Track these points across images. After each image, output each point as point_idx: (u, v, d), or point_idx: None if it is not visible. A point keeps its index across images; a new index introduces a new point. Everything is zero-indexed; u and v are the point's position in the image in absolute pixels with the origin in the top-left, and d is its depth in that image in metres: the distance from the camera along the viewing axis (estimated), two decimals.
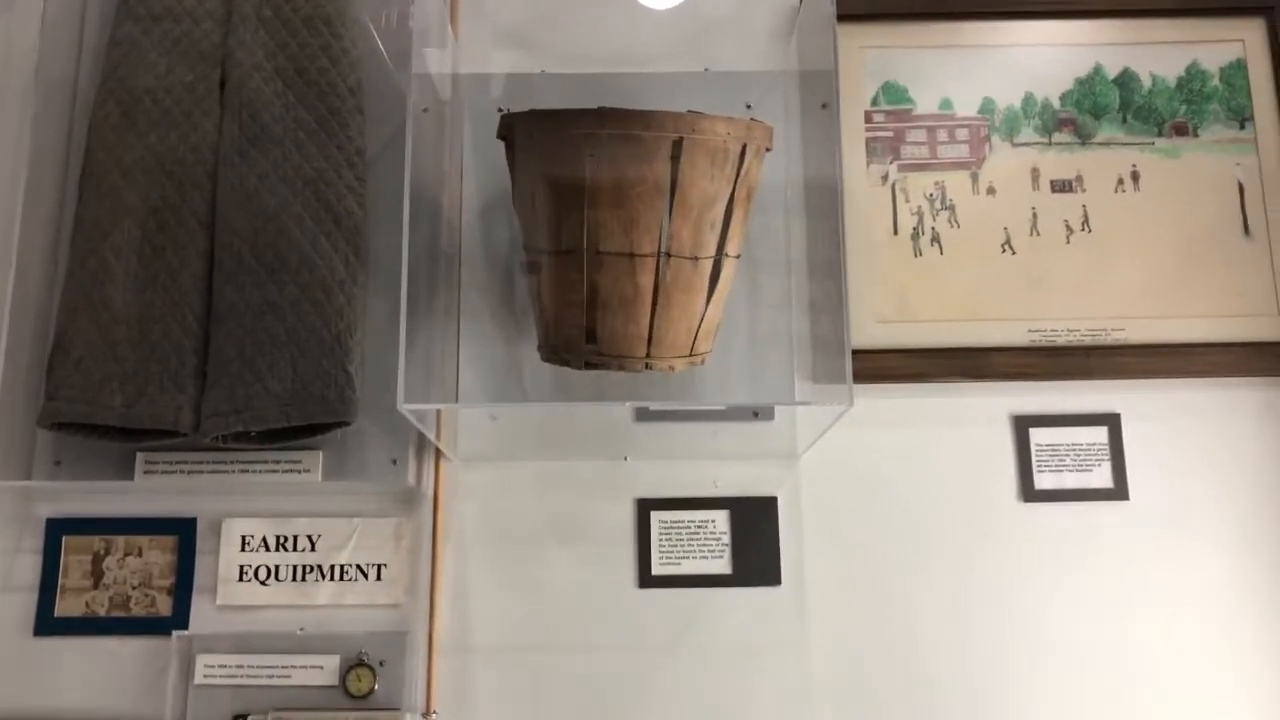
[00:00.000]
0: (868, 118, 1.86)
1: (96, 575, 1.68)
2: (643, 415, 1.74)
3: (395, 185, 1.62)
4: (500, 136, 1.61)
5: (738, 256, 1.60)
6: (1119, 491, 1.73)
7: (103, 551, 1.69)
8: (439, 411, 1.69)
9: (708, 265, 1.55)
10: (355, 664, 1.63)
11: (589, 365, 1.56)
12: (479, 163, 1.78)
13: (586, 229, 1.51)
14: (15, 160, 1.78)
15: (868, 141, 1.85)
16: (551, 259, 1.56)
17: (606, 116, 1.49)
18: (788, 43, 1.87)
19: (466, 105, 1.83)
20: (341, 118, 1.74)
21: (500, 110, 1.63)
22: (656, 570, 1.71)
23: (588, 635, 1.69)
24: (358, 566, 1.69)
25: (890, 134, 1.85)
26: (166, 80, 1.73)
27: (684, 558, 1.71)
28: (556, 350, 1.59)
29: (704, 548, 1.71)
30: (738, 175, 1.54)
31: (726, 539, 1.71)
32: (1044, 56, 1.88)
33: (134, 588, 1.68)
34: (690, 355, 1.58)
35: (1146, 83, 1.86)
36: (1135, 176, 1.83)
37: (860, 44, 1.87)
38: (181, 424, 1.62)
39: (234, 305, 1.64)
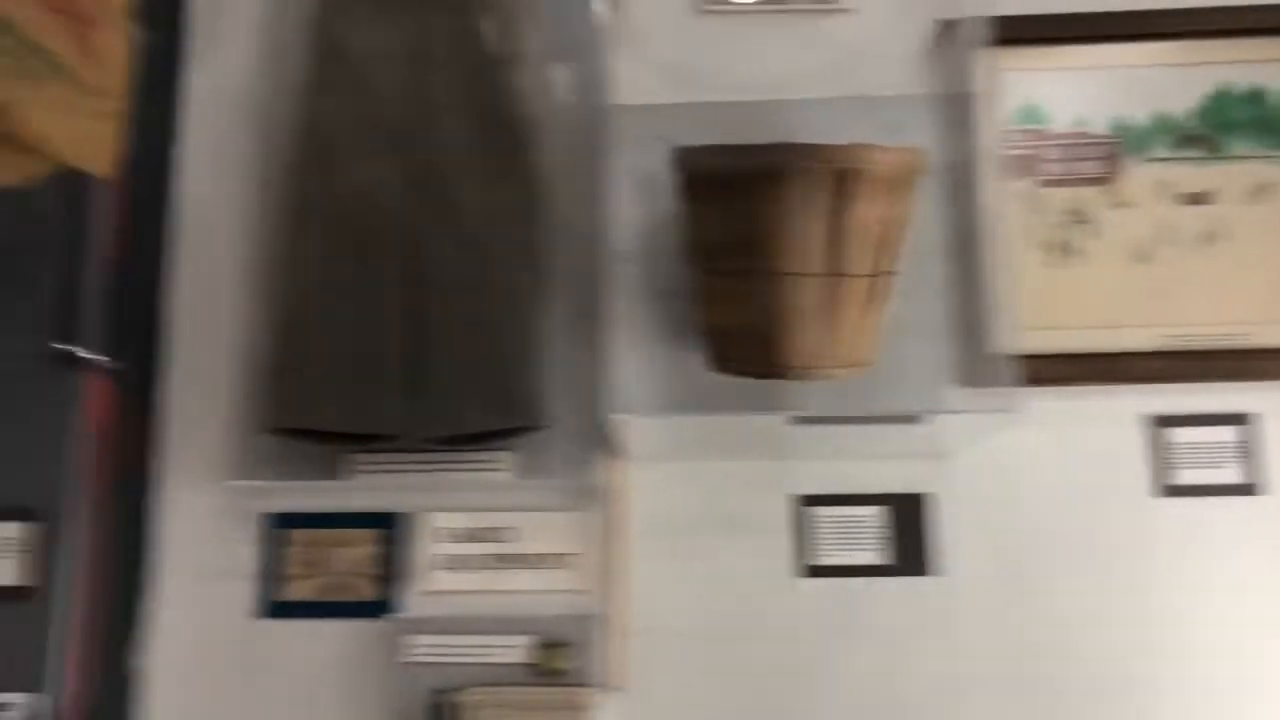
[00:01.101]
0: (1007, 137, 1.98)
1: (312, 564, 1.88)
2: (800, 418, 1.89)
3: (569, 207, 1.80)
4: (671, 168, 1.77)
5: (897, 273, 1.74)
6: (1254, 487, 1.85)
7: (317, 543, 1.88)
8: (619, 418, 1.85)
9: (872, 282, 1.69)
10: (548, 644, 1.81)
11: (759, 376, 1.72)
12: (639, 185, 1.92)
13: (756, 251, 1.66)
14: (228, 190, 1.97)
15: (1008, 159, 1.97)
16: (721, 278, 1.72)
17: (778, 150, 1.64)
18: (927, 66, 2.00)
19: (620, 130, 1.97)
20: (524, 149, 1.90)
21: (662, 139, 1.79)
22: (815, 561, 1.86)
23: (753, 621, 1.85)
24: (548, 556, 1.86)
25: (1028, 152, 1.97)
26: (361, 116, 1.90)
27: (840, 550, 1.86)
28: (725, 361, 1.75)
29: (860, 541, 1.86)
30: (899, 199, 1.68)
31: (882, 533, 1.86)
32: (1173, 75, 1.99)
33: (346, 576, 1.87)
34: (855, 365, 1.72)
35: (1276, 99, 1.97)
36: (1266, 188, 1.94)
37: (999, 67, 1.99)
38: (393, 429, 1.80)
39: (437, 319, 1.82)
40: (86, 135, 1.48)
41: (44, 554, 1.69)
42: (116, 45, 1.57)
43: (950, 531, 1.86)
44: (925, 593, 1.84)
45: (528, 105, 1.92)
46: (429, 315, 1.82)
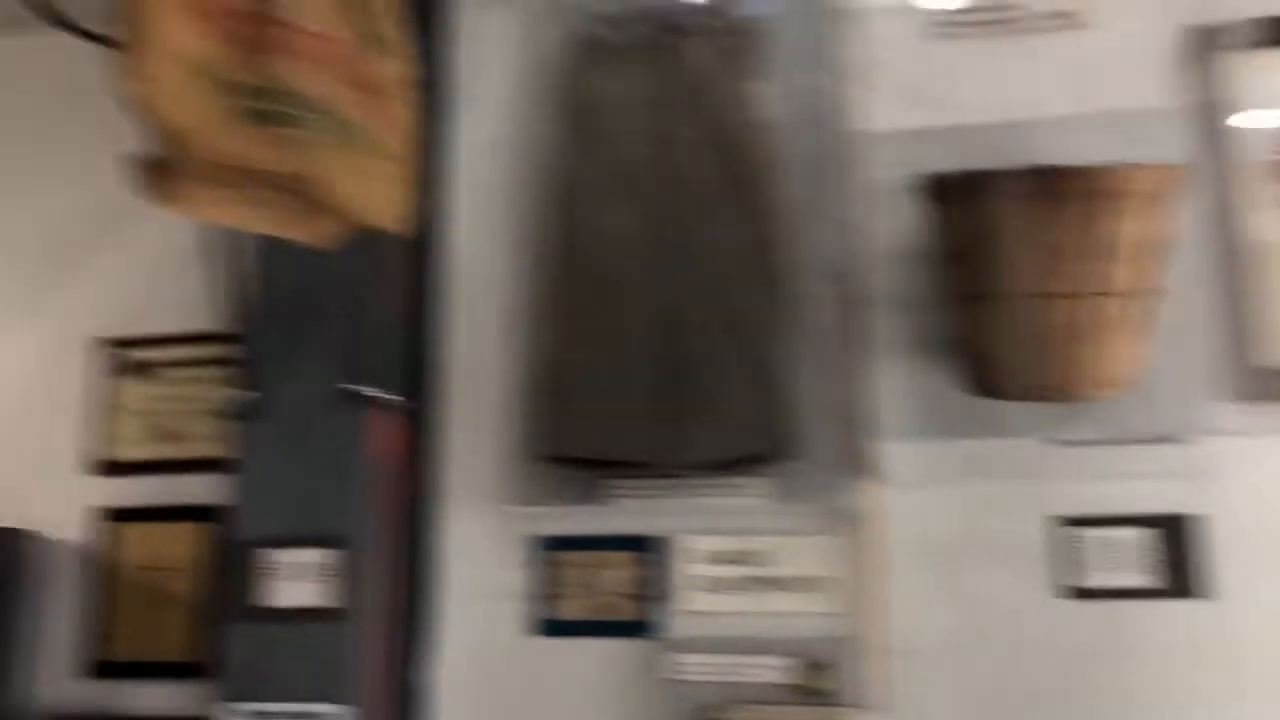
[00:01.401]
0: (1265, 142, 1.91)
1: (580, 585, 1.98)
2: (1062, 441, 1.87)
3: (816, 236, 1.86)
4: (923, 194, 1.79)
5: (1159, 290, 1.71)
6: None
7: (584, 565, 1.99)
8: (872, 441, 1.89)
9: (1132, 301, 1.67)
10: (810, 664, 1.85)
11: (1016, 398, 1.72)
12: (885, 211, 1.95)
13: (1017, 275, 1.67)
14: (492, 238, 2.11)
15: (1267, 165, 1.90)
16: (974, 301, 1.73)
17: (1035, 175, 1.64)
18: (1177, 76, 1.95)
19: (861, 156, 2.00)
20: (764, 183, 1.97)
21: (904, 165, 1.82)
22: (1078, 583, 1.84)
23: (1014, 642, 1.84)
24: (805, 579, 1.91)
25: None
26: (620, 162, 2.01)
27: (1105, 572, 1.83)
28: (981, 384, 1.76)
29: (1125, 563, 1.83)
30: (1157, 216, 1.66)
31: (1149, 555, 1.82)
32: None
33: (612, 596, 1.97)
34: (1117, 385, 1.70)
35: None
36: None
37: (1258, 70, 1.92)
38: (653, 457, 1.89)
39: (691, 353, 1.91)
40: (383, 197, 1.63)
41: (345, 578, 1.85)
42: (403, 114, 1.72)
43: (1226, 554, 1.80)
44: (1198, 616, 1.79)
45: (765, 139, 1.98)
46: (680, 347, 1.91)
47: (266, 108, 1.47)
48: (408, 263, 2.05)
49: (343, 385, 1.87)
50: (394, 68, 1.71)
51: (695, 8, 2.07)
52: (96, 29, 1.73)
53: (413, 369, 2.06)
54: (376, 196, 1.62)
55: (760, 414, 1.86)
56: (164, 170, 1.43)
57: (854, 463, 1.90)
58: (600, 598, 1.97)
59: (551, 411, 1.94)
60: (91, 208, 2.38)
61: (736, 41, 2.03)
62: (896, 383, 1.90)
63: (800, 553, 1.92)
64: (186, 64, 1.41)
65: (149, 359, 2.26)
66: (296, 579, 1.87)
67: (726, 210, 1.94)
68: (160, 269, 2.31)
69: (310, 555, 1.87)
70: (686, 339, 1.91)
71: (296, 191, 1.55)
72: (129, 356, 2.27)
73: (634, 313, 1.94)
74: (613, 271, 1.95)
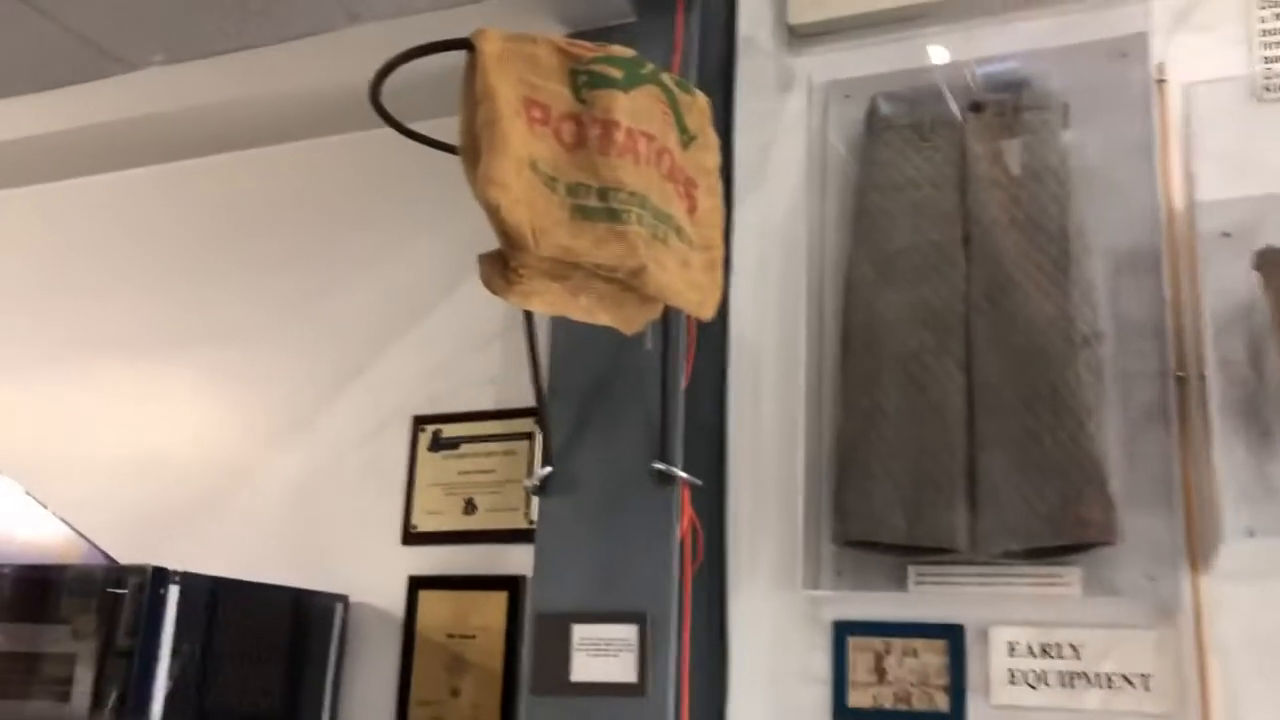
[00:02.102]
0: None
1: (879, 672, 1.95)
2: None
3: (1133, 313, 1.79)
4: (1260, 264, 1.70)
5: None
6: None
7: (883, 651, 1.95)
8: (1198, 529, 1.78)
9: None
10: None
11: None
12: (1215, 293, 1.85)
13: None
14: (774, 317, 2.14)
15: None
16: None
17: None
18: None
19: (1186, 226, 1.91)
20: (1074, 258, 1.91)
21: (1232, 237, 1.73)
22: None
23: None
24: (1123, 675, 1.81)
25: None
26: (914, 240, 2.00)
27: None
28: None
29: None
30: None
31: None
32: None
33: (913, 685, 1.92)
34: None
35: None
36: None
37: None
38: (958, 543, 1.85)
39: (996, 435, 1.86)
40: (700, 285, 1.68)
41: (649, 653, 1.88)
42: (714, 204, 1.77)
43: None
44: None
45: (1074, 210, 1.92)
46: (990, 427, 1.86)
47: (598, 205, 1.55)
48: (696, 343, 2.09)
49: (656, 465, 1.92)
50: (705, 159, 1.77)
51: (992, 82, 2.05)
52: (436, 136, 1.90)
53: (704, 448, 2.09)
54: (695, 286, 1.67)
55: (1076, 498, 1.78)
56: (508, 265, 1.52)
57: (1177, 552, 1.79)
58: (899, 686, 1.93)
59: (850, 494, 1.93)
60: (407, 290, 2.57)
61: (1039, 115, 1.99)
62: (1229, 466, 1.79)
63: (1117, 647, 1.82)
64: (531, 167, 1.50)
65: (459, 434, 2.40)
66: (598, 653, 1.92)
67: (1038, 286, 1.89)
68: (468, 348, 2.45)
69: (614, 630, 1.91)
70: (996, 418, 1.86)
71: (621, 282, 1.61)
72: (441, 431, 2.41)
73: (939, 392, 1.91)
74: (915, 351, 1.93)
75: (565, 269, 1.56)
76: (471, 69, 1.56)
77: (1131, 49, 2.02)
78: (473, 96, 1.54)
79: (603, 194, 1.55)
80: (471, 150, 1.54)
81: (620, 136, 1.57)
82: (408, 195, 2.65)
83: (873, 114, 2.13)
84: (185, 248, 2.87)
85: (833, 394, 2.06)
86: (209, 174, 2.92)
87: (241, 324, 2.73)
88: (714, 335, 2.15)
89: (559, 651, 1.94)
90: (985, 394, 1.89)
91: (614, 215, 1.55)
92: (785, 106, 2.28)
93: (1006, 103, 2.02)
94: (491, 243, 2.27)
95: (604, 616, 1.92)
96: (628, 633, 1.91)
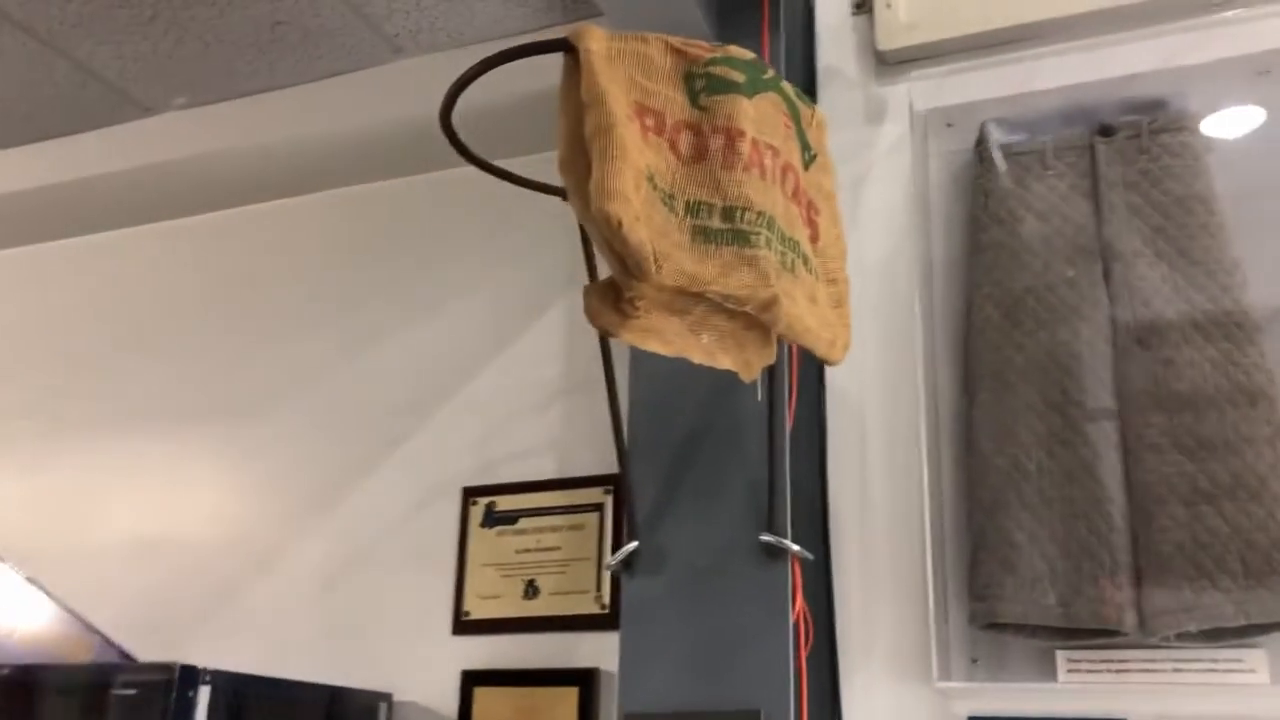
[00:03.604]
0: None
1: None
2: None
3: None
4: None
5: None
6: None
7: None
8: None
9: None
10: None
11: None
12: None
13: None
14: (875, 367, 1.90)
15: None
16: None
17: None
18: None
19: None
20: (1233, 294, 1.68)
21: None
22: None
23: None
24: None
25: None
26: (1045, 277, 1.77)
27: None
28: None
29: None
30: None
31: None
32: None
33: None
34: None
35: None
36: None
37: None
38: (1125, 624, 1.59)
39: (1161, 497, 1.61)
40: (829, 323, 1.44)
41: None
42: (838, 232, 1.54)
43: None
44: None
45: (1230, 245, 1.70)
46: (1153, 489, 1.61)
47: (722, 226, 1.31)
48: (796, 394, 1.85)
49: (764, 536, 1.66)
50: (825, 181, 1.55)
51: (1122, 104, 1.84)
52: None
53: (804, 516, 1.83)
54: (826, 323, 1.43)
55: (1265, 569, 1.53)
56: (621, 297, 1.28)
57: None
58: None
59: (991, 568, 1.67)
60: (451, 349, 2.33)
61: (1178, 137, 1.78)
62: None
63: None
64: (649, 181, 1.27)
65: (516, 507, 2.13)
66: None
67: (1195, 329, 1.66)
68: (522, 411, 2.20)
69: None
70: (1161, 479, 1.61)
71: (744, 318, 1.37)
72: (495, 504, 2.15)
73: (1088, 448, 1.66)
74: (1058, 402, 1.69)
75: (685, 302, 1.32)
76: (573, 72, 1.34)
77: (1273, 65, 1.82)
78: (574, 102, 1.32)
79: (728, 214, 1.32)
80: (573, 164, 1.31)
81: (746, 148, 1.34)
82: (449, 246, 2.42)
83: (983, 142, 1.92)
84: (200, 310, 2.62)
85: (953, 453, 1.82)
86: (224, 229, 2.69)
87: (264, 393, 2.48)
88: (809, 387, 1.91)
89: None
90: (1144, 451, 1.64)
91: (741, 238, 1.31)
92: (877, 138, 2.07)
93: (1141, 124, 1.81)
94: (542, 294, 2.04)
95: (710, 716, 1.64)
96: None
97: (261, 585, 2.29)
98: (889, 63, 2.09)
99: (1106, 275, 1.74)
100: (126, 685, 1.63)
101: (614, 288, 1.30)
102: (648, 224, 1.24)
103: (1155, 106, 1.83)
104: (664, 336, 1.32)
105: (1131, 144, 1.81)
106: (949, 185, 1.98)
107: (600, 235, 1.25)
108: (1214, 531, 1.57)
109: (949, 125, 2.01)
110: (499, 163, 1.66)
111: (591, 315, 1.31)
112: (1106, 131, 1.82)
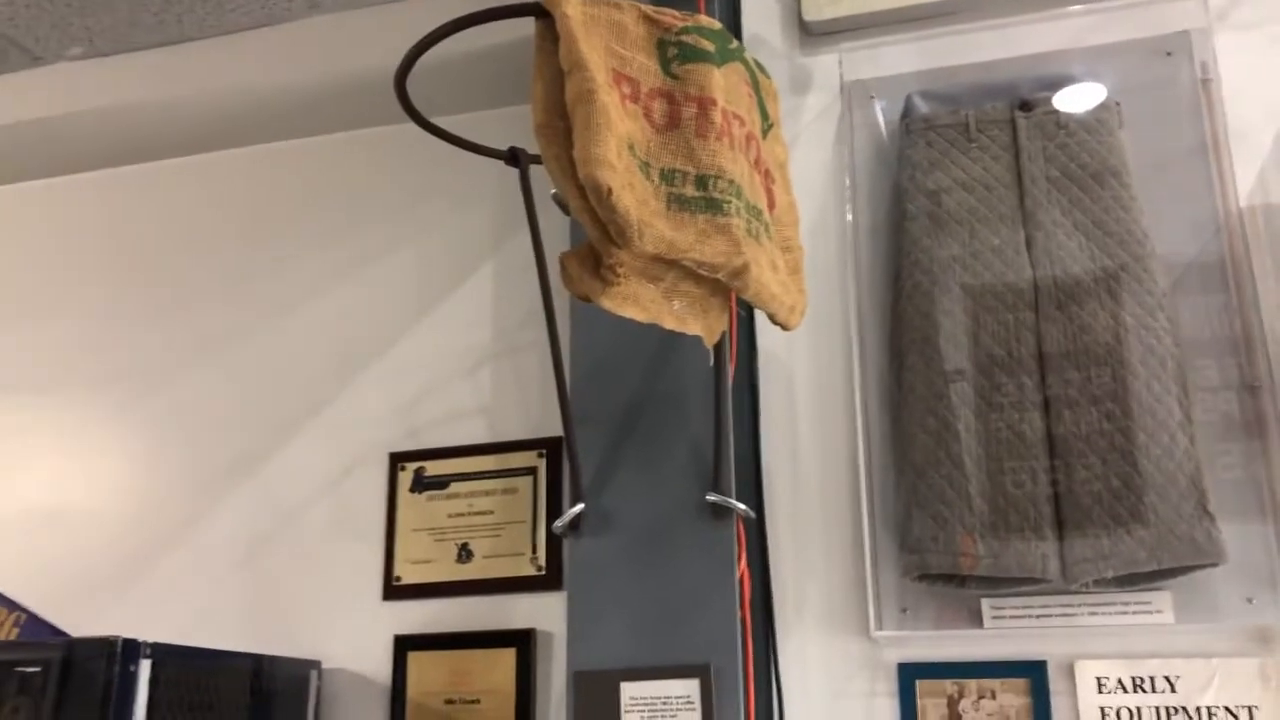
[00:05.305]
0: None
1: (954, 717, 1.77)
2: None
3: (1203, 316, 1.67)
4: None
5: None
6: None
7: (957, 695, 1.78)
8: None
9: None
10: None
11: None
12: None
13: None
14: (827, 337, 1.96)
15: None
16: None
17: None
18: None
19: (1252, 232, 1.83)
20: (1143, 263, 1.79)
21: None
22: None
23: None
24: (1225, 708, 1.68)
25: None
26: (971, 247, 1.85)
27: None
28: None
29: None
30: None
31: None
32: None
33: None
34: None
35: None
36: None
37: None
38: (1049, 572, 1.69)
39: (1080, 451, 1.71)
40: (789, 289, 1.48)
41: (714, 711, 1.66)
42: (790, 200, 1.58)
43: None
44: None
45: (1140, 216, 1.82)
46: (1073, 445, 1.72)
47: (696, 194, 1.34)
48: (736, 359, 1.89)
49: (710, 496, 1.70)
50: (779, 151, 1.59)
51: (1039, 80, 1.93)
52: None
53: (739, 477, 1.88)
54: (787, 289, 1.48)
55: (1177, 517, 1.65)
56: (598, 264, 1.30)
57: (1276, 570, 1.68)
58: None
59: (924, 522, 1.75)
60: (373, 313, 2.29)
61: (1094, 114, 1.88)
62: None
63: (1217, 677, 1.69)
64: (630, 149, 1.29)
65: (447, 472, 2.12)
66: (653, 713, 1.68)
67: (1109, 295, 1.77)
68: (451, 375, 2.19)
69: (672, 687, 1.68)
70: (1080, 436, 1.72)
71: (711, 284, 1.40)
72: (424, 470, 2.14)
73: (1014, 408, 1.75)
74: (984, 364, 1.78)
75: (660, 269, 1.35)
76: (546, 36, 1.34)
77: (1176, 47, 1.94)
78: (551, 67, 1.32)
79: (701, 182, 1.34)
80: (550, 128, 1.32)
81: (718, 117, 1.36)
82: (371, 206, 2.37)
83: (909, 114, 1.99)
84: (103, 270, 2.51)
85: (881, 415, 1.89)
86: (128, 186, 2.57)
87: (176, 358, 2.40)
88: (741, 353, 1.96)
89: (605, 714, 1.69)
90: (1064, 409, 1.74)
91: (714, 206, 1.34)
92: (801, 109, 2.12)
93: (1059, 102, 1.91)
94: (469, 257, 2.00)
95: (660, 671, 1.68)
96: (689, 688, 1.67)
97: (179, 555, 2.22)
98: (814, 33, 2.14)
99: (1029, 243, 1.84)
100: (64, 661, 1.57)
101: (593, 254, 1.31)
102: (631, 191, 1.26)
103: (1070, 84, 1.93)
104: (641, 303, 1.34)
105: (1049, 119, 1.90)
106: (874, 155, 2.04)
107: (581, 202, 1.26)
108: (1128, 483, 1.68)
109: (871, 97, 2.07)
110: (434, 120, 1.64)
111: (570, 282, 1.32)
112: (1026, 106, 1.91)
